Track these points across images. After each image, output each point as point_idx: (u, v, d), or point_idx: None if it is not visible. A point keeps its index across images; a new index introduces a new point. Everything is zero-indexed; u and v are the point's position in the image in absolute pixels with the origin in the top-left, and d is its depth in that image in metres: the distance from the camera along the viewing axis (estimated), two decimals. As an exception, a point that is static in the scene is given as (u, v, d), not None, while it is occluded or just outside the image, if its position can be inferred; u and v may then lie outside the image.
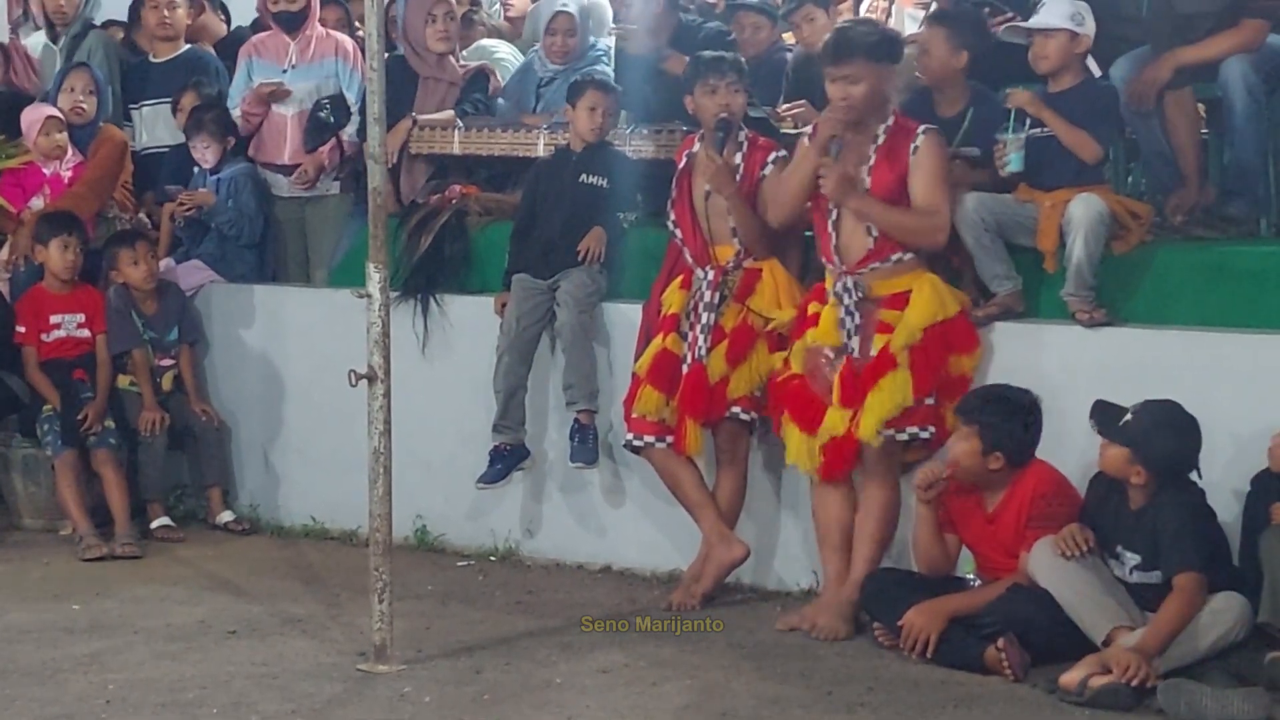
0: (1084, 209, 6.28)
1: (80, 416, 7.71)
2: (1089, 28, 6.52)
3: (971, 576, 6.10)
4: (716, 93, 6.66)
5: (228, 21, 9.58)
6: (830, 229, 6.37)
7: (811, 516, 6.50)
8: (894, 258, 6.27)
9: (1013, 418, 5.96)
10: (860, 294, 6.26)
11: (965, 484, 6.03)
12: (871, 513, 6.30)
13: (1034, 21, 6.60)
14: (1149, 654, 5.46)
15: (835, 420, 6.25)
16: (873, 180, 6.30)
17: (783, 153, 6.66)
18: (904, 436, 6.23)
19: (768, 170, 6.64)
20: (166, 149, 8.66)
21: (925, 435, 6.24)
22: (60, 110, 8.29)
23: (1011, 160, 6.43)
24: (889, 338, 6.19)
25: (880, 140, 6.31)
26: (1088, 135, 6.43)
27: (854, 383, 6.23)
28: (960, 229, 6.36)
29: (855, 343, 6.26)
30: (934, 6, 8.09)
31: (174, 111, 8.54)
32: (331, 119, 8.19)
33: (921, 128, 6.30)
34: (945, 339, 6.25)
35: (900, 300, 6.24)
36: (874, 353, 6.21)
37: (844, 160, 6.33)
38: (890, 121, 6.33)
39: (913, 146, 6.25)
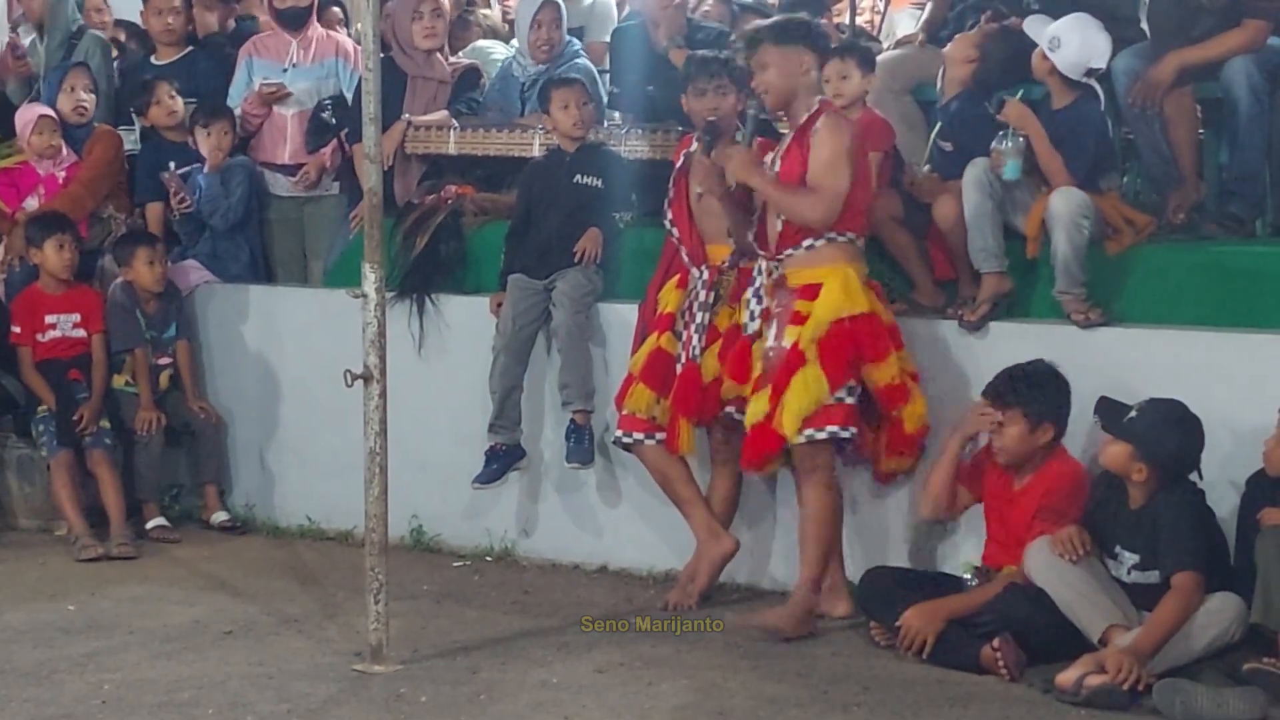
0: (1064, 202, 6.30)
1: (76, 417, 7.70)
2: (1062, 58, 6.49)
3: (968, 576, 6.09)
4: (705, 95, 6.66)
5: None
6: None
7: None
8: (805, 244, 6.25)
9: (1046, 387, 5.99)
10: (774, 277, 6.30)
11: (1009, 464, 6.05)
12: (809, 516, 6.29)
13: (1029, 26, 6.65)
14: (1144, 654, 5.46)
15: (755, 407, 6.25)
16: (782, 164, 6.30)
17: (781, 152, 6.67)
18: (823, 435, 6.19)
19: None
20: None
21: (845, 435, 6.22)
22: (61, 110, 8.28)
23: (1008, 168, 6.43)
24: (801, 330, 6.20)
25: (801, 125, 6.32)
26: (1061, 164, 6.43)
27: (744, 361, 6.33)
28: (964, 192, 6.40)
29: (757, 325, 6.33)
30: (929, 7, 8.10)
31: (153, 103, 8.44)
32: (334, 120, 8.18)
33: (827, 110, 6.29)
34: (854, 338, 6.21)
35: (813, 291, 6.23)
36: (786, 344, 6.22)
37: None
38: (815, 109, 6.31)
39: (815, 129, 6.25)
